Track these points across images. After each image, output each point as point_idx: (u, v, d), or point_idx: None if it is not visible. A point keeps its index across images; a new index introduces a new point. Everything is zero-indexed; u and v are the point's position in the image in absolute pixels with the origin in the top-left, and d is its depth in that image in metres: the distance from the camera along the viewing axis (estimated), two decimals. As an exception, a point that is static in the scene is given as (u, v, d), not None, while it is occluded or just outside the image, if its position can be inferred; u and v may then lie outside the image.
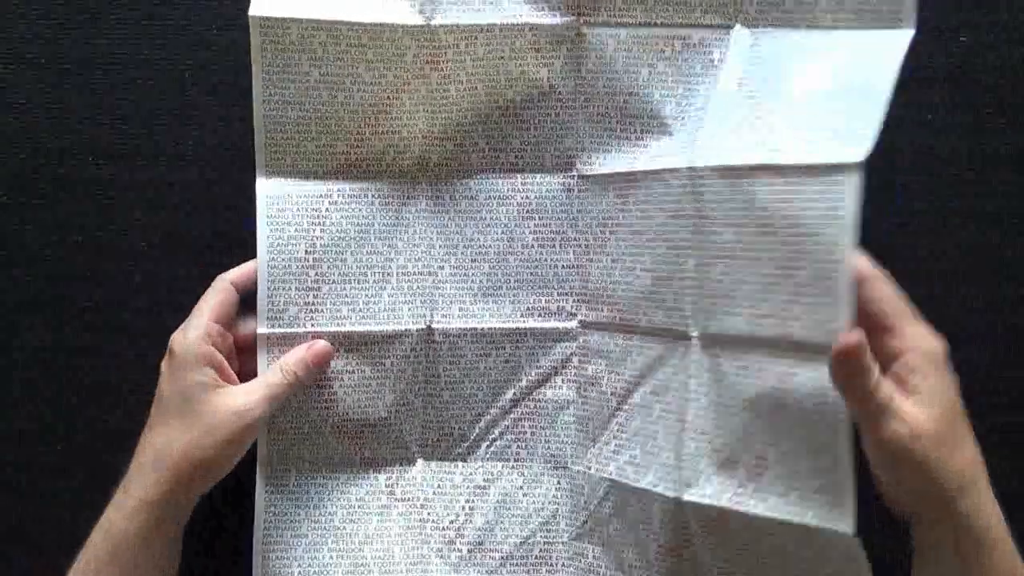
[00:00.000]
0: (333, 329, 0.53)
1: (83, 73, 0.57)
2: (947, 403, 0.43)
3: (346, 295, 0.53)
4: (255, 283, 0.52)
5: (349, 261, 0.53)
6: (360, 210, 0.53)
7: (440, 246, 0.54)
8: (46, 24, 0.57)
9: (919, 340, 0.44)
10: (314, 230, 0.52)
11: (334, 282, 0.53)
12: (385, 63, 0.52)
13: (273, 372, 0.51)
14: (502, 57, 0.52)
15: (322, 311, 0.53)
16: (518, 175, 0.54)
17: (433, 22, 0.51)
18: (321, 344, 0.52)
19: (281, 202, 0.52)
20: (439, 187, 0.54)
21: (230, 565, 0.55)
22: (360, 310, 0.53)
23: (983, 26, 0.57)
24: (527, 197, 0.54)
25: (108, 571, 0.47)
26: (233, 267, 0.54)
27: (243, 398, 0.49)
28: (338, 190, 0.53)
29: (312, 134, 0.52)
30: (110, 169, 0.57)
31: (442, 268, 0.54)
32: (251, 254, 0.56)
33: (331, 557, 0.53)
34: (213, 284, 0.52)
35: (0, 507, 0.56)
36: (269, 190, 0.52)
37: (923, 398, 0.42)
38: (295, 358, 0.51)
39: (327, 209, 0.53)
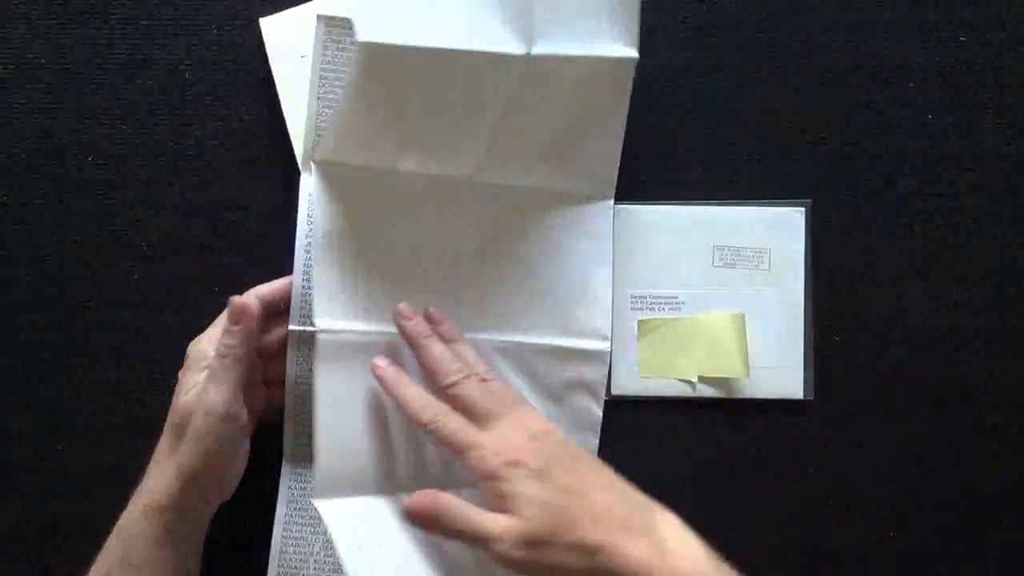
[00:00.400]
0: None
1: (83, 73, 0.57)
2: (540, 496, 0.42)
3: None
4: (284, 301, 0.52)
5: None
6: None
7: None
8: (46, 24, 0.57)
9: (495, 443, 0.44)
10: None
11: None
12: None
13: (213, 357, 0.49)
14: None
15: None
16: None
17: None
18: (233, 299, 0.49)
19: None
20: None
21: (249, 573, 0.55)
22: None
23: (983, 26, 0.57)
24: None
25: (120, 573, 0.47)
26: (231, 267, 0.53)
27: (199, 393, 0.48)
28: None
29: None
30: (110, 169, 0.57)
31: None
32: (250, 253, 0.56)
33: None
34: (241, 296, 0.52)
35: (0, 507, 0.56)
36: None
37: (515, 507, 0.42)
38: (220, 330, 0.49)
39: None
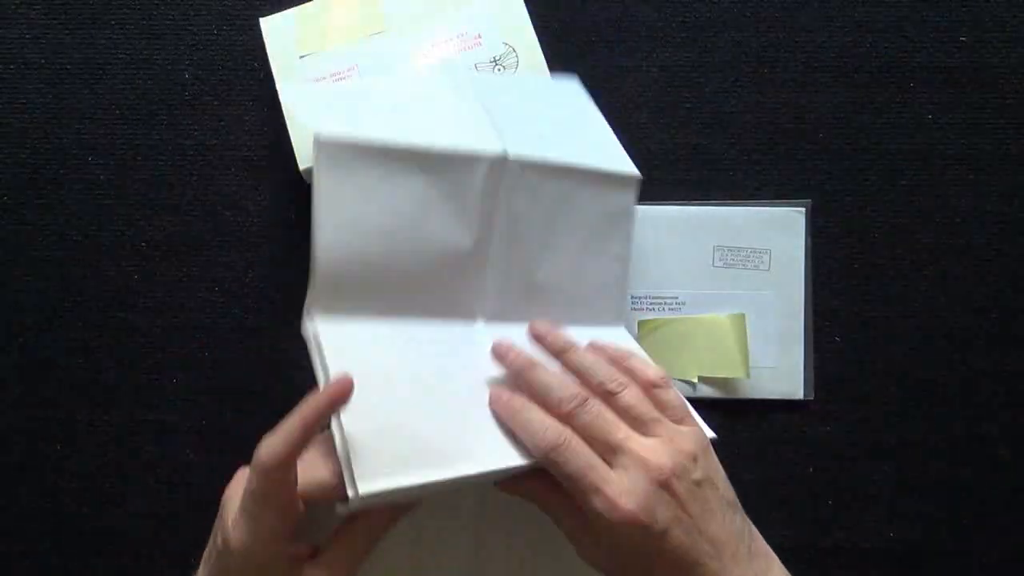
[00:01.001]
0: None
1: (83, 73, 0.57)
2: (651, 552, 0.39)
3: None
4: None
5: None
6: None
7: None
8: (46, 24, 0.57)
9: (618, 490, 0.39)
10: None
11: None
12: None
13: (350, 536, 0.41)
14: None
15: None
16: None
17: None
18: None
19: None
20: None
21: None
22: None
23: (983, 26, 0.57)
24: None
25: None
26: (231, 267, 0.53)
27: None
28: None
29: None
30: (110, 169, 0.57)
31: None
32: (250, 253, 0.56)
33: None
34: (256, 477, 0.38)
35: (0, 507, 0.56)
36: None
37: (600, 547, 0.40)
38: (375, 522, 0.42)
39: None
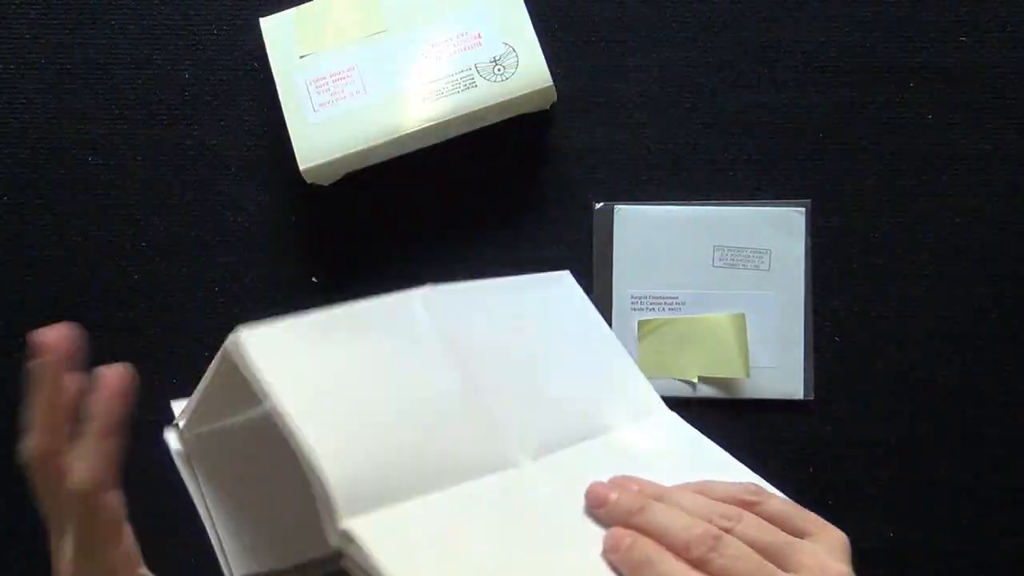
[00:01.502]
0: None
1: (83, 73, 0.57)
2: None
3: None
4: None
5: None
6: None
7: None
8: (46, 24, 0.57)
9: None
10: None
11: None
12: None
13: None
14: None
15: None
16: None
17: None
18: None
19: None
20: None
21: None
22: None
23: (983, 26, 0.57)
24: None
25: None
26: (231, 267, 0.53)
27: None
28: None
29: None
30: (110, 169, 0.57)
31: None
32: (250, 253, 0.56)
33: None
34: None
35: (0, 507, 0.56)
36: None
37: None
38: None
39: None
